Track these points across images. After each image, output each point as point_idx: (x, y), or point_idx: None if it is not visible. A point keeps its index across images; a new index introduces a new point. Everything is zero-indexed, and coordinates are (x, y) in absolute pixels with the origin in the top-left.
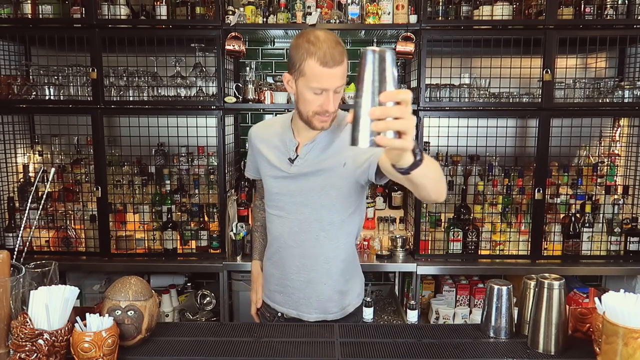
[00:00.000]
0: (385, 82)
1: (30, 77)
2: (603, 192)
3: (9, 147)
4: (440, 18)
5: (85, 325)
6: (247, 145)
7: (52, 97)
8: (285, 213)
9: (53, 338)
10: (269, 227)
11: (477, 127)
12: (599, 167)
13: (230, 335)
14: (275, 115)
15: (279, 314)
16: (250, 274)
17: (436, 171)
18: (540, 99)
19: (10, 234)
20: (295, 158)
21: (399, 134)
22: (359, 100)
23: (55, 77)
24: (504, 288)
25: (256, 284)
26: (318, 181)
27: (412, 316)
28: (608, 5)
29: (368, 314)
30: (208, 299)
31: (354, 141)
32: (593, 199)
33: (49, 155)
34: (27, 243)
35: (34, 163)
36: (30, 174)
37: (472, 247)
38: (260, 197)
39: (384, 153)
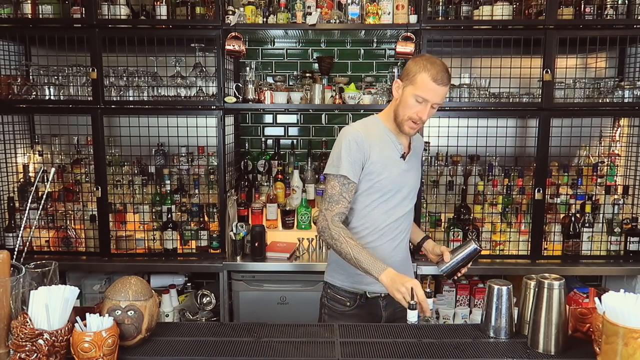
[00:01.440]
0: (471, 258)
1: (30, 77)
2: (603, 192)
3: (9, 147)
4: (440, 18)
5: (85, 325)
6: (345, 145)
7: (52, 97)
8: (392, 206)
9: (53, 338)
10: (367, 221)
11: (477, 127)
12: (599, 167)
13: (230, 335)
14: (275, 115)
15: (360, 294)
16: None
17: None
18: (540, 99)
19: (10, 234)
20: (407, 154)
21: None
22: (458, 259)
23: (55, 77)
24: (504, 288)
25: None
26: (416, 180)
27: (412, 316)
28: (608, 5)
29: (412, 316)
30: (208, 299)
31: (445, 274)
32: (593, 199)
33: (49, 155)
34: (27, 243)
35: (34, 163)
36: (30, 174)
37: None
38: (338, 221)
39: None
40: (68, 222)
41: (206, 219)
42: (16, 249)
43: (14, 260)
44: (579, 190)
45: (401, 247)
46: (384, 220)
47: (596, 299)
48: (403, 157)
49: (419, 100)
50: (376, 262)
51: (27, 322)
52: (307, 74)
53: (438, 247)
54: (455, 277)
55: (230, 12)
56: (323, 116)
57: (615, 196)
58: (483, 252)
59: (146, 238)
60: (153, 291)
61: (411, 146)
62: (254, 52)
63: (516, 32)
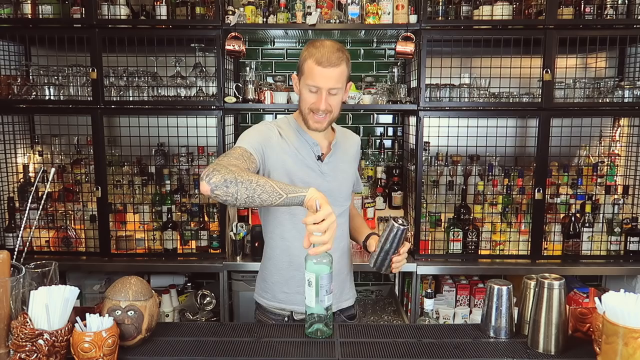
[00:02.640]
0: (399, 242)
1: (30, 77)
2: (603, 192)
3: (9, 147)
4: (440, 18)
5: (85, 325)
6: (255, 129)
7: (52, 97)
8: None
9: (53, 338)
10: (283, 233)
11: (477, 127)
12: (599, 167)
13: (230, 335)
14: (275, 115)
15: (287, 316)
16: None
17: None
18: (540, 99)
19: (10, 234)
20: (324, 156)
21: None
22: (386, 247)
23: (55, 77)
24: (504, 288)
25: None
26: (342, 184)
27: (429, 305)
28: (608, 5)
29: (429, 304)
30: (208, 299)
31: (377, 267)
32: (593, 199)
33: (49, 155)
34: (27, 243)
35: (34, 163)
36: (30, 174)
37: (472, 247)
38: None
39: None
40: (68, 222)
41: (206, 219)
42: (16, 249)
43: (14, 261)
44: (579, 190)
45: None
46: (292, 237)
47: (596, 299)
48: (320, 158)
49: (312, 89)
50: (285, 185)
51: (27, 322)
52: None
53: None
54: (393, 270)
55: (230, 12)
56: None
57: (615, 196)
58: (483, 252)
59: (146, 238)
60: (153, 291)
61: (332, 146)
62: (254, 52)
63: (516, 32)
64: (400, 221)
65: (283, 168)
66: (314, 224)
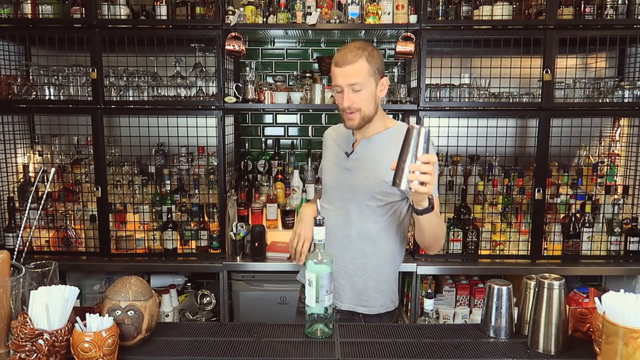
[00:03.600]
0: (421, 148)
1: (30, 77)
2: (603, 192)
3: (9, 147)
4: (440, 18)
5: (85, 325)
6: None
7: (52, 97)
8: (333, 207)
9: (53, 338)
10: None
11: (477, 127)
12: (599, 167)
13: (230, 335)
14: (275, 115)
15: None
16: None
17: (438, 224)
18: (540, 99)
19: (10, 234)
20: (352, 152)
21: (424, 184)
22: (403, 156)
23: (55, 77)
24: (504, 288)
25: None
26: (366, 181)
27: (429, 305)
28: (608, 5)
29: (429, 304)
30: (208, 299)
31: (394, 183)
32: (593, 199)
33: (49, 155)
34: (27, 243)
35: (34, 163)
36: (30, 174)
37: (472, 247)
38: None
39: (412, 195)
40: (68, 222)
41: (206, 219)
42: (16, 249)
43: (14, 260)
44: (579, 190)
45: (358, 261)
46: (330, 223)
47: (596, 299)
48: (347, 154)
49: (337, 90)
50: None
51: (27, 322)
52: (307, 74)
53: None
54: (412, 186)
55: (230, 12)
56: (323, 116)
57: (615, 196)
58: (483, 252)
59: (146, 238)
60: (153, 291)
61: (361, 142)
62: (254, 52)
63: (516, 32)
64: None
65: (327, 160)
66: None
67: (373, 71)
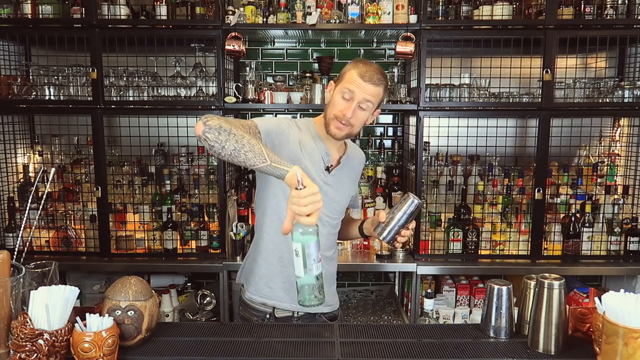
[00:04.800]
0: (410, 215)
1: (30, 77)
2: (603, 192)
3: (9, 147)
4: (440, 18)
5: (85, 325)
6: (273, 120)
7: (52, 97)
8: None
9: (53, 338)
10: (279, 228)
11: (477, 127)
12: (599, 167)
13: (230, 335)
14: (275, 115)
15: (269, 313)
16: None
17: None
18: (540, 99)
19: (10, 234)
20: (331, 167)
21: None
22: (395, 217)
23: (55, 77)
24: (504, 288)
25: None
26: (340, 196)
27: (429, 305)
28: (608, 5)
29: (429, 304)
30: (208, 299)
31: (382, 235)
32: (593, 199)
33: (49, 155)
34: (27, 243)
35: (34, 163)
36: (30, 174)
37: (472, 247)
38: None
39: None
40: (68, 222)
41: (206, 219)
42: (16, 249)
43: (14, 261)
44: (579, 190)
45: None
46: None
47: (596, 299)
48: (328, 169)
49: (345, 96)
50: (276, 156)
51: (27, 322)
52: (307, 74)
53: (376, 215)
54: (397, 243)
55: (230, 12)
56: None
57: (615, 196)
58: (483, 252)
59: (146, 238)
60: (153, 291)
61: (342, 160)
62: (254, 52)
63: (516, 32)
64: (417, 197)
65: (304, 164)
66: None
67: (380, 102)
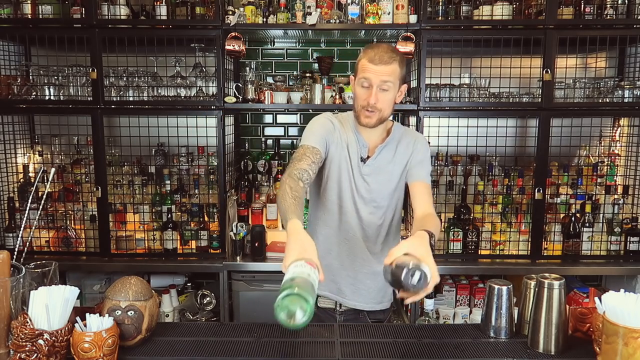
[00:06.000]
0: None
1: (30, 77)
2: (603, 192)
3: (9, 147)
4: (440, 18)
5: (85, 326)
6: (317, 123)
7: (52, 97)
8: (346, 211)
9: (53, 338)
10: (328, 221)
11: (477, 127)
12: (599, 167)
13: (230, 335)
14: (275, 115)
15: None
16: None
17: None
18: (540, 99)
19: (10, 234)
20: (367, 158)
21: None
22: (396, 277)
23: (55, 77)
24: (504, 288)
25: (308, 246)
26: (378, 184)
27: (429, 305)
28: (608, 5)
29: (429, 304)
30: (208, 299)
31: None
32: (593, 199)
33: (49, 155)
34: (27, 243)
35: (34, 163)
36: (30, 174)
37: (472, 247)
38: (295, 175)
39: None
40: (68, 222)
41: (206, 219)
42: (16, 249)
43: (14, 261)
44: (579, 190)
45: (369, 268)
46: (336, 227)
47: (596, 299)
48: (363, 160)
49: (364, 85)
50: (291, 210)
51: (27, 322)
52: (307, 74)
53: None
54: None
55: (230, 12)
56: None
57: (615, 196)
58: (483, 252)
59: (146, 238)
60: (153, 291)
61: (377, 150)
62: (254, 52)
63: (516, 32)
64: (421, 270)
65: (337, 159)
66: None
67: (401, 76)
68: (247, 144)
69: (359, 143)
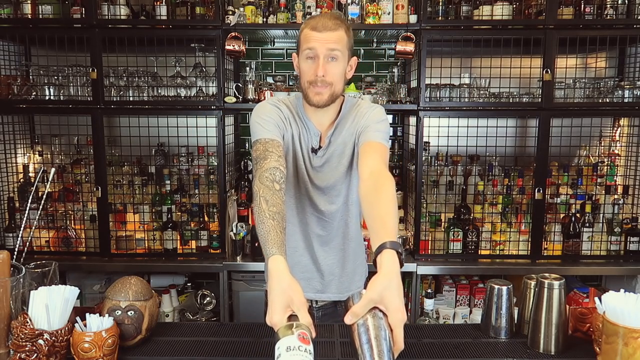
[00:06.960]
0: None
1: (30, 77)
2: (603, 192)
3: (9, 147)
4: (440, 18)
5: (85, 326)
6: (264, 111)
7: (52, 97)
8: (302, 201)
9: (53, 338)
10: (289, 217)
11: (477, 127)
12: (599, 167)
13: (230, 335)
14: None
15: (317, 303)
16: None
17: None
18: (540, 99)
19: (10, 234)
20: (319, 149)
21: None
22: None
23: (55, 77)
24: (504, 288)
25: (294, 295)
26: (334, 178)
27: (429, 305)
28: (608, 5)
29: (429, 304)
30: (208, 299)
31: None
32: (593, 199)
33: (49, 155)
34: (27, 243)
35: (34, 163)
36: (30, 174)
37: (472, 247)
38: (267, 178)
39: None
40: (68, 222)
41: (206, 219)
42: (16, 249)
43: (14, 261)
44: (579, 190)
45: (328, 252)
46: (297, 222)
47: (596, 299)
48: (314, 151)
49: (309, 56)
50: (271, 239)
51: (27, 322)
52: None
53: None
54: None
55: (230, 12)
56: None
57: (615, 196)
58: (483, 252)
59: (146, 238)
60: (153, 291)
61: (328, 138)
62: (254, 52)
63: (516, 32)
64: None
65: (290, 151)
66: None
67: (349, 45)
68: (247, 144)
69: (310, 131)
